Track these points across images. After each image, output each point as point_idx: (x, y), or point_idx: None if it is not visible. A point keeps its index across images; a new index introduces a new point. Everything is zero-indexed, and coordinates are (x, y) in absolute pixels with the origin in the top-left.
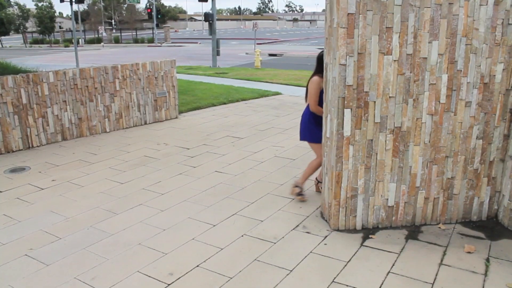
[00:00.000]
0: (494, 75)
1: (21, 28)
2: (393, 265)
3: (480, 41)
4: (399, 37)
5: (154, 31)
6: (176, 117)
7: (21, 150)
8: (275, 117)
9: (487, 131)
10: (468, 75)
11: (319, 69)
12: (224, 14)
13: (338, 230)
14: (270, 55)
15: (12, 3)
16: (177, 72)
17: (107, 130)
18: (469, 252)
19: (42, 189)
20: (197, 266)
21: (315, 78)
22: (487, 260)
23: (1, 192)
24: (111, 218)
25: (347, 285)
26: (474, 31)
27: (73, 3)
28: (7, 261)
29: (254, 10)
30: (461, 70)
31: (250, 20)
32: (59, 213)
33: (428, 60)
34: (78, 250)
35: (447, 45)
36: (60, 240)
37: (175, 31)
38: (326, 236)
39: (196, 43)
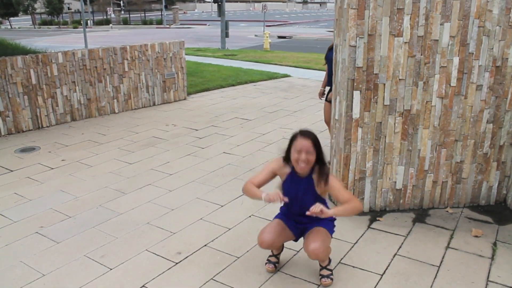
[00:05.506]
0: (507, 58)
1: (30, 9)
2: (400, 247)
3: (493, 23)
4: (410, 18)
5: (162, 13)
6: (185, 99)
7: (31, 130)
8: (283, 100)
9: (497, 115)
10: (480, 58)
11: None
12: None
13: None
14: (279, 37)
15: None
16: (186, 54)
17: (116, 111)
18: (476, 236)
19: (52, 168)
20: (205, 245)
21: None
22: (494, 244)
23: (11, 171)
24: (120, 197)
25: (353, 267)
26: (487, 13)
27: None
28: (19, 238)
29: None
30: (473, 53)
31: (260, 2)
32: (69, 192)
33: (439, 43)
34: (87, 228)
35: (459, 27)
36: (70, 218)
37: (184, 12)
38: None
39: (205, 25)
